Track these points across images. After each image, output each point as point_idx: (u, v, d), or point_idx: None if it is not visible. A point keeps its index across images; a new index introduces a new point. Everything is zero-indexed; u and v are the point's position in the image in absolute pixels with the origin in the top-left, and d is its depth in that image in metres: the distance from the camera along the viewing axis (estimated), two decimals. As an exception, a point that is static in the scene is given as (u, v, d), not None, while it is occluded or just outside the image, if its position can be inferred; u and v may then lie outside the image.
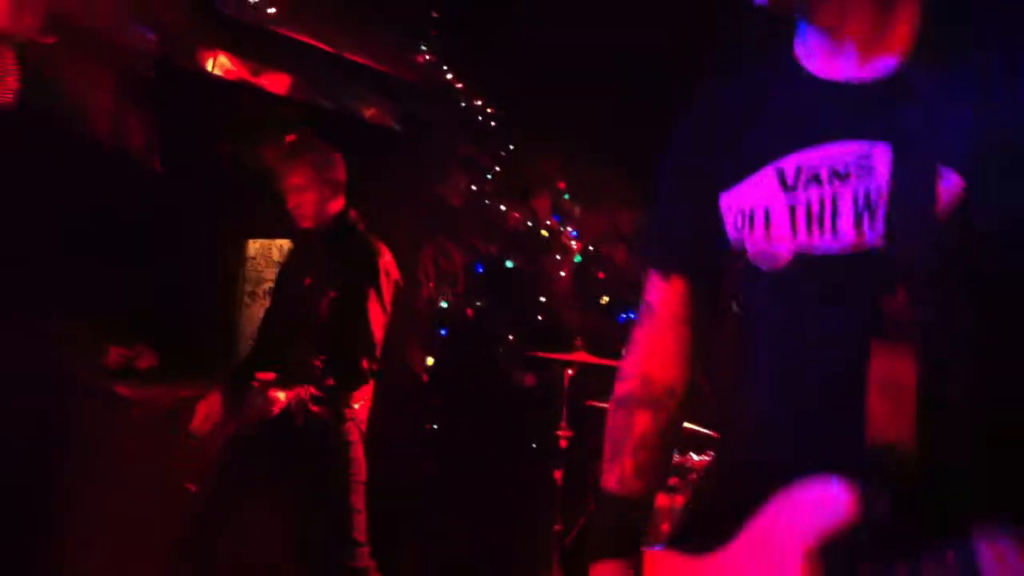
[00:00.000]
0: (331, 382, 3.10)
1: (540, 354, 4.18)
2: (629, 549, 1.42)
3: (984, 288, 1.17)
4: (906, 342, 1.14)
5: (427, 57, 4.84)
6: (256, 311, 4.11)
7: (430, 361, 4.57)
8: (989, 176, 1.14)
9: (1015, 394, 1.17)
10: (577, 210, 5.00)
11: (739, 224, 1.32)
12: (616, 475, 1.45)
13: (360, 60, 4.59)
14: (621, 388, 1.49)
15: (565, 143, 4.89)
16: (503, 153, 5.01)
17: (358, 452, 3.18)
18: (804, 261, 1.24)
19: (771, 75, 1.36)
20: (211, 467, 3.22)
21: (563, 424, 3.91)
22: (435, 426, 4.48)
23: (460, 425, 4.52)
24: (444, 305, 4.71)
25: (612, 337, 4.75)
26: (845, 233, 1.20)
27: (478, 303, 4.77)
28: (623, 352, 1.51)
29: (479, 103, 4.97)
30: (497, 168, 4.99)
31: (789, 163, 1.26)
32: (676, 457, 3.44)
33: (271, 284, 3.79)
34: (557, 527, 3.82)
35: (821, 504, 1.15)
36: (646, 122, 4.73)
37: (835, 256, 1.21)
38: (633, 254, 4.85)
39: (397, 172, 4.78)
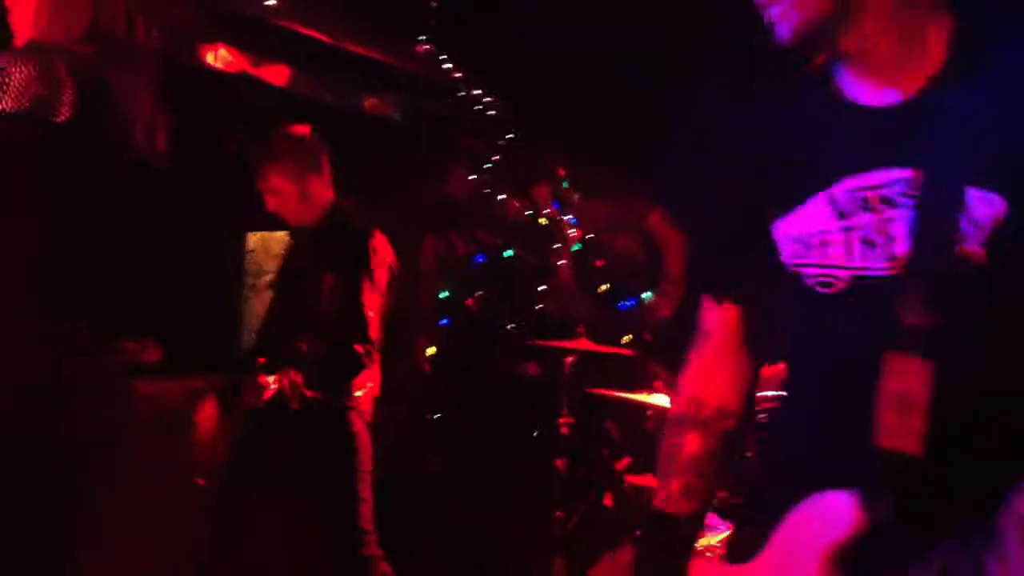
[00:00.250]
0: (327, 367, 3.13)
1: (541, 342, 4.20)
2: (672, 568, 1.44)
3: (1009, 305, 1.21)
4: (919, 356, 1.18)
5: (426, 48, 4.85)
6: (258, 304, 4.13)
7: (432, 351, 4.59)
8: None
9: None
10: (577, 198, 5.01)
11: (795, 251, 1.35)
12: (664, 494, 1.48)
13: (360, 51, 4.59)
14: (675, 409, 1.55)
15: (565, 131, 4.90)
16: (503, 143, 5.02)
17: (363, 441, 3.20)
18: (860, 284, 1.28)
19: (814, 102, 1.37)
20: (219, 461, 3.25)
21: (564, 412, 3.94)
22: (438, 415, 4.50)
23: (463, 414, 4.54)
24: (445, 295, 4.73)
25: (612, 325, 4.78)
26: (896, 256, 1.24)
27: (479, 293, 4.79)
28: (679, 373, 1.55)
29: (478, 93, 4.98)
30: (497, 158, 5.00)
31: (840, 190, 1.29)
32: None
33: (272, 277, 3.82)
34: (559, 514, 3.84)
35: (830, 515, 1.20)
36: (645, 111, 4.75)
37: (887, 278, 1.24)
38: (643, 246, 4.87)
39: (397, 163, 4.80)
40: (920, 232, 1.21)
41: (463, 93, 4.95)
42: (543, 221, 4.94)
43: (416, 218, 4.80)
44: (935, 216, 1.20)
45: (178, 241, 3.48)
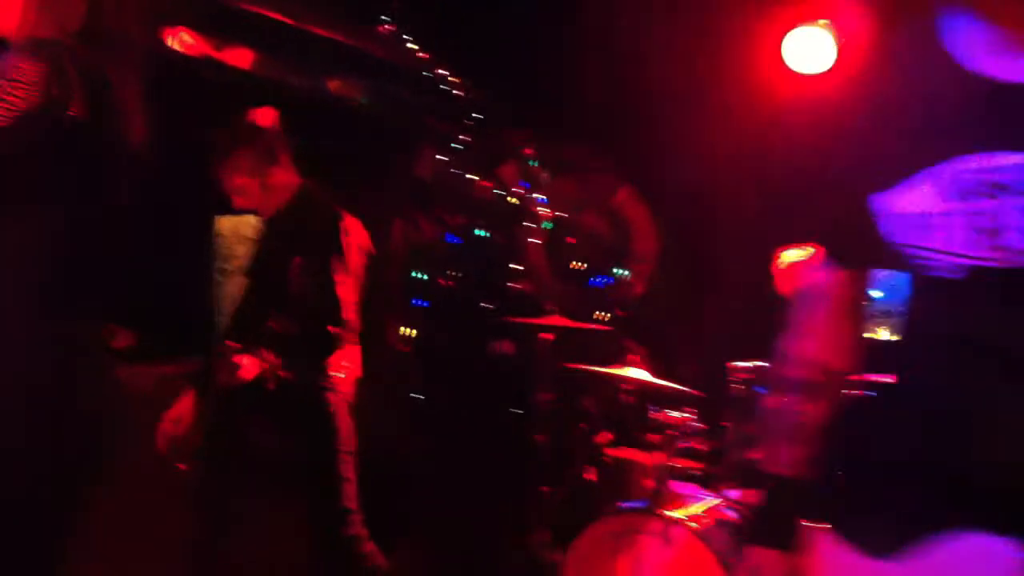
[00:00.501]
0: (300, 347, 3.13)
1: (515, 320, 4.22)
2: (794, 533, 1.45)
3: None
4: None
5: (390, 29, 4.82)
6: (229, 288, 4.09)
7: (411, 332, 4.59)
8: None
9: None
10: (545, 176, 5.02)
11: (895, 229, 1.31)
12: (784, 460, 1.49)
13: (324, 34, 4.56)
14: (790, 372, 1.52)
15: (531, 110, 4.91)
16: (469, 123, 5.01)
17: (343, 421, 3.20)
18: (970, 272, 1.23)
19: (929, 71, 1.30)
20: (198, 445, 3.23)
21: (542, 389, 3.96)
22: (419, 396, 4.50)
23: (441, 394, 4.55)
24: (419, 277, 4.72)
25: (584, 302, 4.80)
26: (1015, 247, 1.19)
27: (453, 273, 4.79)
28: (789, 338, 1.54)
29: (444, 74, 4.96)
30: (464, 139, 4.99)
31: (950, 170, 1.23)
32: (655, 414, 3.50)
33: (242, 260, 3.79)
34: (542, 490, 3.87)
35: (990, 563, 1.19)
36: (611, 87, 4.78)
37: (1004, 271, 1.20)
38: (610, 224, 4.90)
39: (364, 146, 4.77)
40: None
41: (428, 75, 4.93)
42: (513, 201, 4.94)
43: (384, 200, 4.77)
44: None
45: (150, 228, 3.45)
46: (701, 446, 3.56)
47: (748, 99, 4.45)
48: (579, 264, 4.98)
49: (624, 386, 3.81)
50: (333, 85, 4.80)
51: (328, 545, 3.15)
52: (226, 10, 4.14)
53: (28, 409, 1.81)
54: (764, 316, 3.61)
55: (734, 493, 3.31)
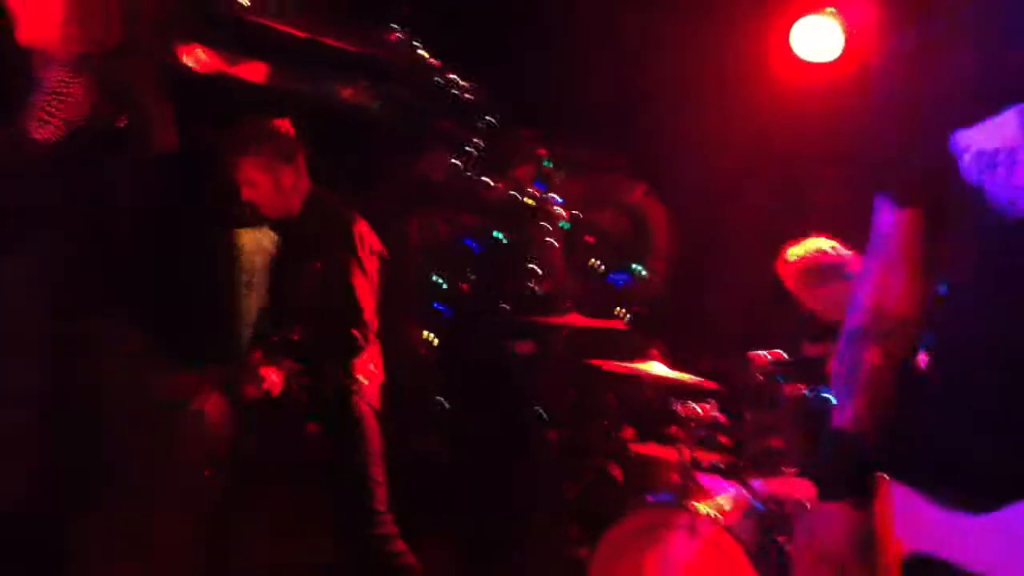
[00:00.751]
0: (323, 354, 3.18)
1: (536, 320, 4.25)
2: (865, 488, 1.41)
3: None
4: None
5: (399, 35, 4.87)
6: (253, 299, 4.16)
7: (431, 336, 4.63)
8: None
9: None
10: (560, 177, 5.06)
11: (979, 164, 1.28)
12: (850, 413, 1.44)
13: (334, 44, 4.61)
14: (854, 320, 1.47)
15: (543, 110, 4.94)
16: (482, 126, 5.05)
17: (370, 425, 3.25)
18: None
19: (1007, 7, 1.30)
20: (225, 451, 3.28)
21: (564, 386, 3.99)
22: (441, 400, 4.54)
23: (464, 395, 4.58)
24: (437, 280, 4.76)
25: (604, 300, 4.83)
26: None
27: (471, 276, 4.83)
28: (856, 283, 1.50)
29: (454, 78, 5.00)
30: (477, 140, 5.03)
31: None
32: (678, 408, 3.53)
33: (262, 271, 3.85)
34: (568, 486, 3.90)
35: None
36: (620, 84, 4.80)
37: None
38: (628, 221, 4.93)
39: (379, 150, 4.82)
40: None
41: (440, 79, 4.97)
42: (529, 202, 4.97)
43: (399, 204, 4.82)
44: None
45: (171, 240, 3.51)
46: (724, 438, 3.59)
47: (758, 90, 4.47)
48: (597, 262, 5.00)
49: (645, 381, 3.84)
50: (346, 93, 4.85)
51: (360, 546, 3.20)
52: (238, 25, 4.19)
53: (49, 407, 1.85)
54: (779, 308, 3.65)
55: (758, 483, 3.34)
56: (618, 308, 4.72)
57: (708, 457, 3.54)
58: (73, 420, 1.88)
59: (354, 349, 3.23)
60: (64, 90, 1.78)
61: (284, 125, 3.41)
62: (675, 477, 3.42)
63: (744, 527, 3.17)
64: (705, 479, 3.44)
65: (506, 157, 5.07)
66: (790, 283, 3.47)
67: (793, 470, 3.29)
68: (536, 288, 4.71)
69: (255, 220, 3.98)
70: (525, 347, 4.62)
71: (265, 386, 3.14)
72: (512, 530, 4.26)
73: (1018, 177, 1.24)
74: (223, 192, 3.44)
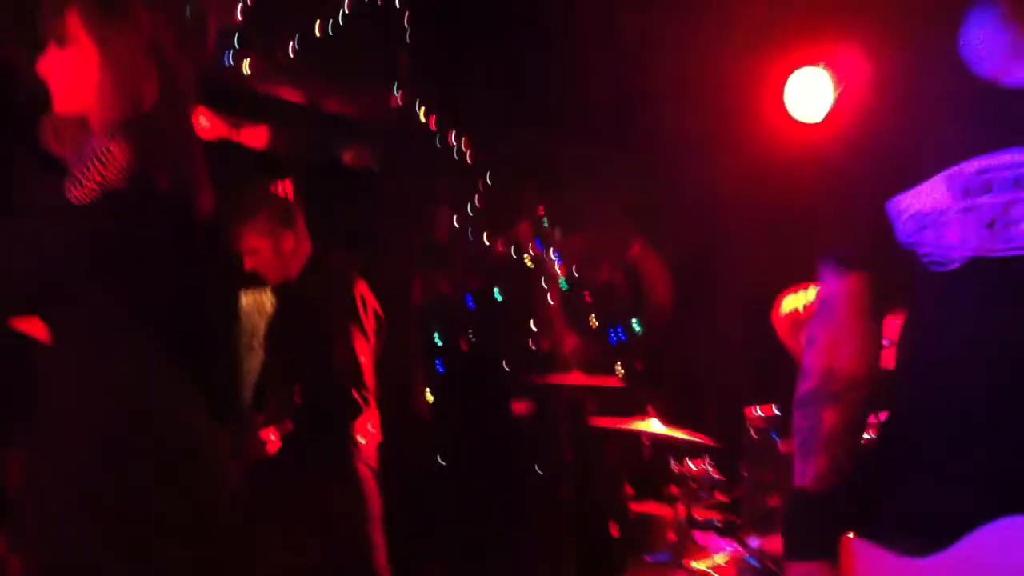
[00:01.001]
0: (325, 415, 3.21)
1: (536, 379, 4.28)
2: (830, 546, 1.44)
3: None
4: None
5: (400, 99, 4.97)
6: (254, 361, 4.20)
7: (430, 397, 4.67)
8: None
9: None
10: (558, 234, 5.12)
11: (911, 228, 1.37)
12: (812, 473, 1.48)
13: (335, 108, 4.71)
14: (805, 385, 1.52)
15: (541, 170, 5.02)
16: (481, 185, 5.14)
17: (370, 487, 3.27)
18: (977, 263, 1.30)
19: (939, 80, 1.38)
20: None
21: (565, 446, 4.01)
22: (441, 460, 4.56)
23: (465, 457, 4.60)
24: (438, 340, 4.81)
25: (603, 356, 4.86)
26: (1019, 239, 1.27)
27: (471, 335, 4.87)
28: (805, 350, 1.54)
29: (454, 138, 5.10)
30: (478, 200, 5.11)
31: (964, 170, 1.30)
32: (675, 466, 3.54)
33: (264, 334, 3.90)
34: (567, 545, 3.90)
35: None
36: (619, 134, 4.88)
37: (1009, 259, 1.27)
38: (625, 276, 4.97)
39: (379, 211, 4.90)
40: None
41: (439, 140, 5.07)
42: (528, 261, 5.04)
43: (401, 264, 4.89)
44: None
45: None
46: (721, 496, 3.59)
47: (753, 142, 4.53)
48: (595, 319, 5.04)
49: (643, 439, 3.85)
50: (347, 155, 4.94)
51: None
52: (242, 93, 4.29)
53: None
54: (775, 361, 3.67)
55: (755, 541, 3.34)
56: (617, 365, 4.75)
57: (705, 515, 3.54)
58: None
59: (354, 411, 3.26)
60: (104, 155, 1.81)
61: (283, 188, 3.48)
62: (672, 535, 3.43)
63: (742, 585, 3.17)
64: (701, 537, 3.44)
65: (505, 216, 5.15)
66: (784, 334, 3.48)
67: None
68: (535, 347, 4.75)
69: (256, 283, 4.05)
70: (522, 406, 4.65)
71: (266, 448, 3.18)
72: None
73: (946, 237, 1.33)
74: (225, 260, 3.50)
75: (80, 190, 1.81)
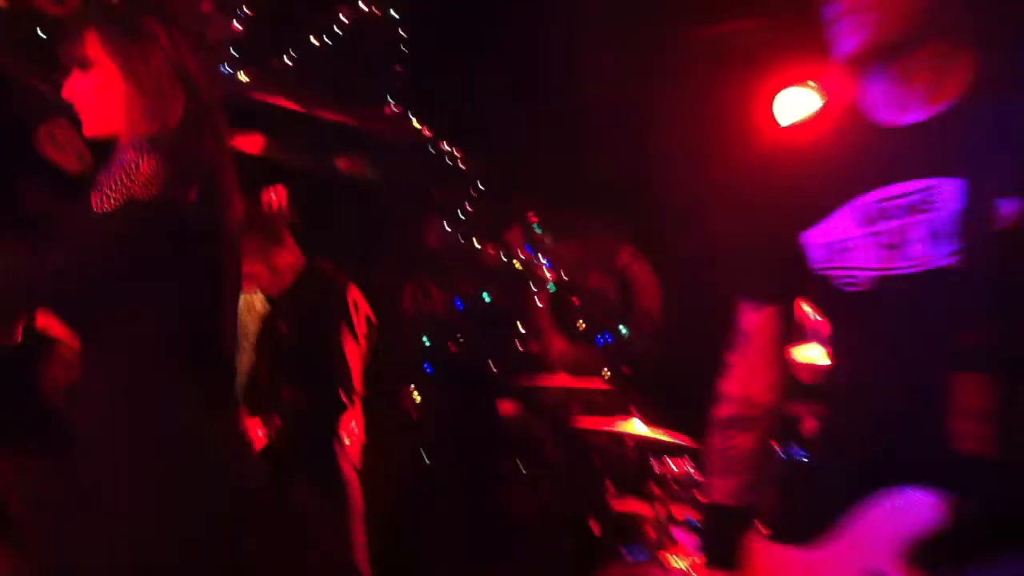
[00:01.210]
0: (312, 414, 3.27)
1: (523, 382, 4.34)
2: (737, 553, 1.63)
3: None
4: (982, 367, 1.34)
5: (394, 109, 5.05)
6: (244, 362, 4.25)
7: (418, 398, 4.72)
8: None
9: None
10: (548, 240, 5.20)
11: (822, 257, 1.53)
12: (730, 490, 1.67)
13: (331, 118, 4.78)
14: (726, 411, 1.70)
15: (532, 177, 5.10)
16: (474, 192, 5.22)
17: (353, 487, 3.31)
18: (884, 281, 1.45)
19: (841, 125, 1.56)
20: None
21: (551, 447, 4.06)
22: (427, 461, 4.61)
23: (451, 457, 4.65)
24: (428, 343, 4.87)
25: (590, 360, 4.92)
26: (916, 256, 1.42)
27: (460, 338, 4.94)
28: (721, 377, 1.73)
29: (446, 147, 5.18)
30: (469, 207, 5.19)
31: (865, 201, 1.47)
32: (656, 467, 3.59)
33: (254, 335, 3.96)
34: (550, 544, 3.95)
35: (912, 511, 1.35)
36: (612, 153, 4.95)
37: (909, 275, 1.42)
38: (614, 283, 5.04)
39: (373, 218, 4.97)
40: (963, 232, 1.36)
41: (432, 149, 5.15)
42: (518, 265, 5.10)
43: (394, 269, 4.96)
44: (973, 217, 1.36)
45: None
46: (699, 494, 3.64)
47: (741, 151, 4.58)
48: (583, 324, 5.11)
49: (626, 440, 3.91)
50: (342, 163, 5.02)
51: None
52: (238, 101, 4.36)
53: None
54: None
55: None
56: (604, 369, 4.81)
57: (684, 513, 3.59)
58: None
59: (339, 408, 3.31)
60: (132, 171, 1.82)
61: (276, 198, 3.53)
62: (651, 532, 3.48)
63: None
64: (681, 534, 3.50)
65: (497, 222, 5.22)
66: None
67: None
68: (523, 349, 4.81)
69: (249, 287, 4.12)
70: (509, 407, 4.70)
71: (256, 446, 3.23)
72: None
73: (855, 260, 1.48)
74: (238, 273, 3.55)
75: (107, 202, 1.82)
